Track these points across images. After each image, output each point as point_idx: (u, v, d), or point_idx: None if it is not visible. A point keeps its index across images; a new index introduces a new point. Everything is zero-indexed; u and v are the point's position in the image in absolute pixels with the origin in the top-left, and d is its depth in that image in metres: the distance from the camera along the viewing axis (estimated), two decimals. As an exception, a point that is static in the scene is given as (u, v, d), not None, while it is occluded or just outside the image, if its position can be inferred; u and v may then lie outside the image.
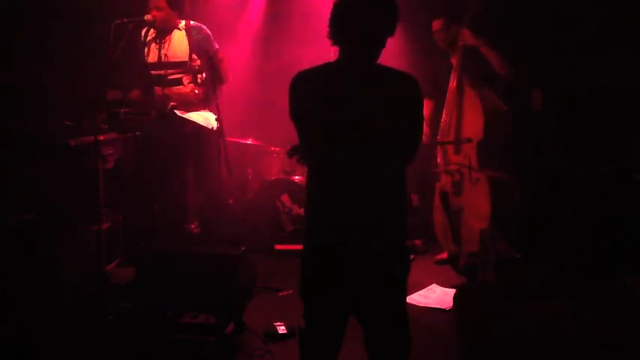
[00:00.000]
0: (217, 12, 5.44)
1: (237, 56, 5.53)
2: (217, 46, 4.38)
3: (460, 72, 4.16)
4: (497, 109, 4.09)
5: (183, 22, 4.35)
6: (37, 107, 4.22)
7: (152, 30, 4.35)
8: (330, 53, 2.33)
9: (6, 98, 4.12)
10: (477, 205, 4.10)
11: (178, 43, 4.32)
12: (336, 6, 2.09)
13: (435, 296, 3.91)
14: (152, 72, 4.38)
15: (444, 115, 4.23)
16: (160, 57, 4.32)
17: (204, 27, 4.38)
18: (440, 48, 4.37)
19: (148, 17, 4.18)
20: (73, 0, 4.42)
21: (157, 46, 4.32)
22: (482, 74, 4.17)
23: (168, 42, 4.33)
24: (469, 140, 4.12)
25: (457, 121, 4.20)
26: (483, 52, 4.09)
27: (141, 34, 4.35)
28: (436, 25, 4.36)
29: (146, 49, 4.37)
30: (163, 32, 4.33)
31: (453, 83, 4.18)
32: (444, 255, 4.52)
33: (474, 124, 4.08)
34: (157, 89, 4.37)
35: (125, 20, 3.98)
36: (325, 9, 2.14)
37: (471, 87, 4.14)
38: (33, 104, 4.24)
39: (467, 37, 4.12)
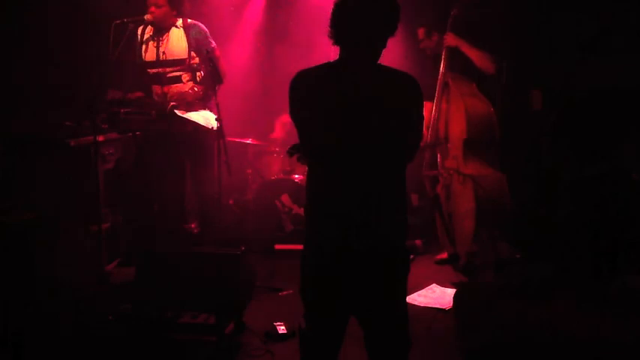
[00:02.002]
0: (217, 11, 5.44)
1: (238, 56, 5.53)
2: (214, 44, 4.38)
3: (445, 74, 4.19)
4: (483, 109, 4.09)
5: (180, 21, 4.34)
6: (37, 107, 4.22)
7: (149, 28, 4.34)
8: (330, 53, 2.33)
9: (6, 98, 4.11)
10: (464, 205, 4.10)
11: (177, 40, 4.32)
12: (337, 6, 2.09)
13: (435, 296, 3.91)
14: (150, 70, 4.37)
15: (431, 119, 4.25)
16: (158, 55, 4.31)
17: (202, 25, 4.38)
18: (428, 56, 4.40)
19: (147, 17, 4.18)
20: (73, 0, 4.42)
21: (155, 44, 4.31)
22: (469, 74, 4.19)
23: (166, 40, 4.32)
24: (446, 140, 4.16)
25: (445, 123, 4.22)
26: (465, 52, 4.11)
27: (137, 32, 4.35)
28: (419, 34, 4.39)
29: (143, 47, 4.35)
30: (161, 30, 4.32)
31: (439, 86, 4.21)
32: (444, 255, 4.52)
33: (458, 125, 4.10)
34: (156, 88, 4.37)
35: (125, 20, 3.98)
36: (326, 9, 2.14)
37: (456, 88, 4.16)
38: (33, 104, 4.24)
39: (449, 38, 4.15)
